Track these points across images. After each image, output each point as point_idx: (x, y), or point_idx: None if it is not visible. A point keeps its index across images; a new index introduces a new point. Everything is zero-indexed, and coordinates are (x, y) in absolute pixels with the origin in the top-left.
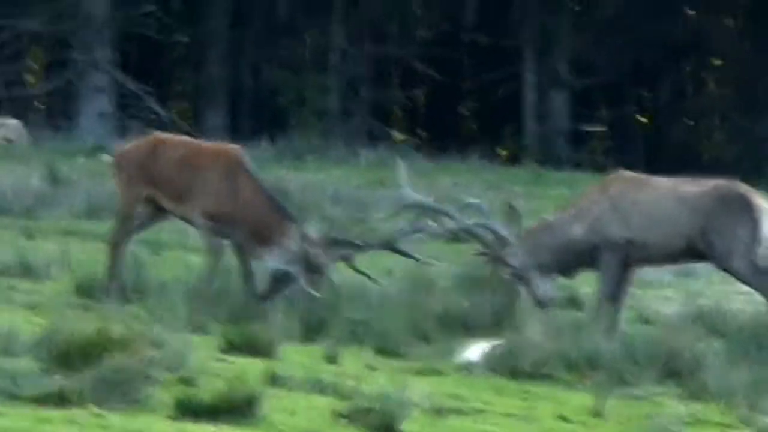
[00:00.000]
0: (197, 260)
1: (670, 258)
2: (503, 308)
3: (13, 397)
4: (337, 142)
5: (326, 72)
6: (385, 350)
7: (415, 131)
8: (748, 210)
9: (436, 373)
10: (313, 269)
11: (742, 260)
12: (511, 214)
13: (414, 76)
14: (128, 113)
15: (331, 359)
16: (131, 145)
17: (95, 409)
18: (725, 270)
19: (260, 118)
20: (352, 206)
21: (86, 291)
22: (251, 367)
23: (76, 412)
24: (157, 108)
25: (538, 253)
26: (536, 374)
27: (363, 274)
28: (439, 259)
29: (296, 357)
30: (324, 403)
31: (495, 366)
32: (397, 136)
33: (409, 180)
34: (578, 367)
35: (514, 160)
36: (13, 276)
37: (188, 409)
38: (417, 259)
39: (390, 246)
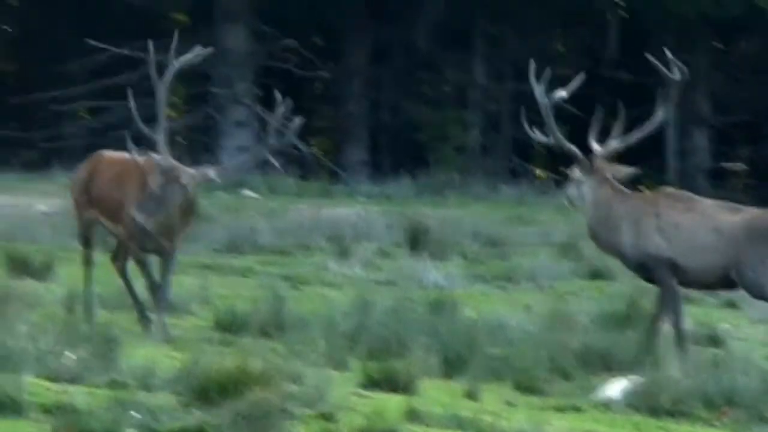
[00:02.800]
0: (336, 295)
1: (710, 285)
2: (643, 345)
3: None
4: (477, 178)
5: (467, 108)
6: (524, 386)
7: (556, 168)
8: None
9: (576, 409)
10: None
11: None
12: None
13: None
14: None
15: (470, 395)
16: (81, 166)
17: None
18: (761, 299)
19: (400, 153)
20: (492, 242)
21: (226, 326)
22: (390, 402)
23: None
24: (298, 143)
25: None
26: (675, 411)
27: None
28: (579, 295)
29: (435, 393)
30: None
31: (634, 402)
32: (539, 173)
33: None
34: (716, 403)
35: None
36: (153, 311)
37: None
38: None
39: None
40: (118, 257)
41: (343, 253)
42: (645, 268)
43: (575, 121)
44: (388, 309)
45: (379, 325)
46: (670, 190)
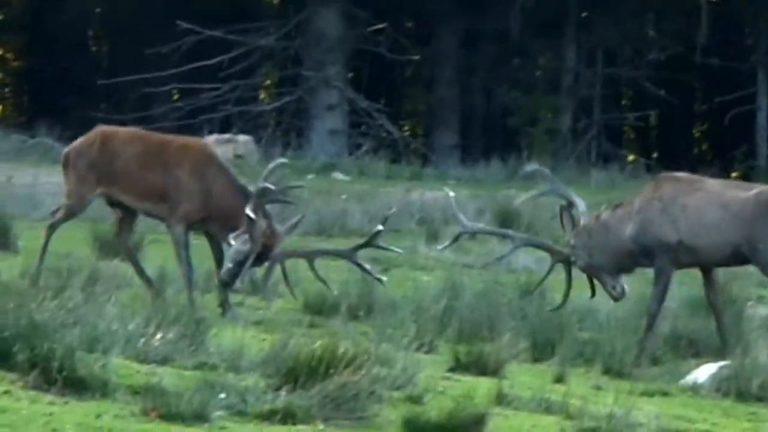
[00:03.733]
0: (426, 278)
1: (721, 263)
2: (730, 330)
3: (241, 414)
4: (568, 163)
5: (558, 93)
6: (612, 371)
7: (647, 152)
8: None
9: (664, 394)
10: (262, 257)
11: None
12: (566, 217)
13: (646, 97)
14: (359, 131)
15: (559, 379)
16: (80, 140)
17: (321, 426)
18: None
19: (491, 138)
20: None
21: (314, 308)
22: (479, 386)
23: (302, 429)
24: (389, 126)
25: (593, 251)
26: (763, 396)
27: (321, 280)
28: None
29: (524, 377)
30: (551, 422)
31: (722, 388)
32: (629, 157)
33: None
34: None
35: (745, 181)
36: (242, 293)
37: (415, 427)
38: (395, 251)
39: (356, 251)
40: (121, 235)
41: (433, 236)
42: (649, 253)
43: (666, 106)
44: (478, 293)
45: (468, 309)
46: (670, 174)
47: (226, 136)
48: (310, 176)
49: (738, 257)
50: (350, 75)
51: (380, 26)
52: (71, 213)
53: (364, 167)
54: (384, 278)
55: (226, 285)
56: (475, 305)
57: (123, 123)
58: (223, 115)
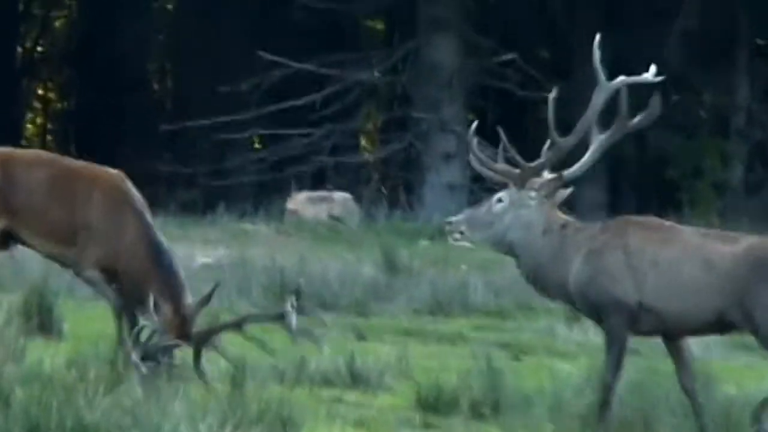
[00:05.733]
0: (566, 367)
1: (695, 331)
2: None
3: None
4: (741, 223)
5: (728, 137)
6: None
7: None
8: None
9: None
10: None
11: None
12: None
13: None
14: (484, 185)
15: None
16: None
17: None
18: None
19: (646, 192)
20: None
21: (428, 404)
22: None
23: None
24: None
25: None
26: None
27: (261, 345)
28: None
29: None
30: None
31: None
32: None
33: None
34: None
35: None
36: (340, 386)
37: None
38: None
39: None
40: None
41: (574, 316)
42: (598, 311)
43: None
44: (630, 383)
45: (619, 403)
46: (636, 217)
47: (320, 193)
48: (423, 242)
49: (718, 326)
50: (470, 116)
51: (508, 57)
52: None
53: None
54: (324, 345)
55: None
56: (626, 399)
57: (192, 177)
58: (316, 168)
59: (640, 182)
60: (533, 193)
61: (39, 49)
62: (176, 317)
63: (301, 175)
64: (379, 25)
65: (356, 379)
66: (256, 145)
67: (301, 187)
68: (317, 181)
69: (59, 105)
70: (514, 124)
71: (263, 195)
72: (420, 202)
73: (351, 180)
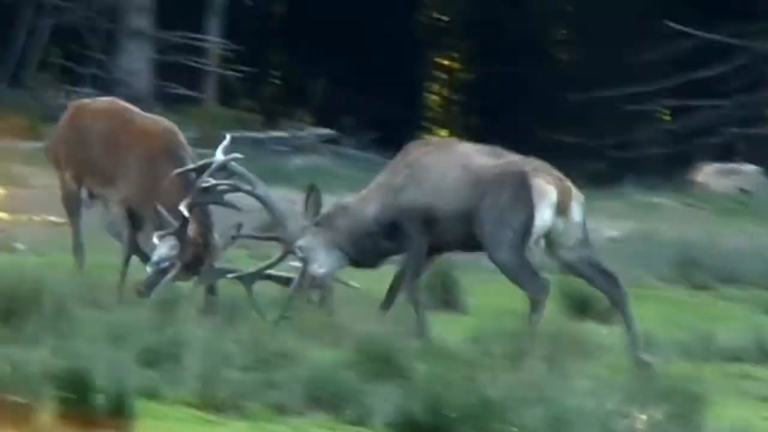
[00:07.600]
0: None
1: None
2: None
3: None
4: None
5: None
6: None
7: None
8: (523, 192)
9: None
10: (190, 269)
11: (508, 251)
12: (312, 196)
13: None
14: None
15: None
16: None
17: None
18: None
19: None
20: None
21: None
22: None
23: None
24: None
25: (334, 239)
26: None
27: (257, 310)
28: None
29: None
30: None
31: None
32: None
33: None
34: None
35: None
36: (748, 361)
37: None
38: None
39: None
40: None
41: None
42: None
43: None
44: None
45: None
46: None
47: (729, 165)
48: None
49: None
50: None
51: None
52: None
53: None
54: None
55: (140, 295)
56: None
57: (599, 148)
58: (724, 140)
59: None
60: None
61: (444, 18)
62: (201, 238)
63: (708, 148)
64: None
65: (765, 354)
66: (664, 117)
67: (707, 159)
68: (726, 153)
69: (463, 75)
70: None
71: (670, 167)
72: None
73: (761, 153)
